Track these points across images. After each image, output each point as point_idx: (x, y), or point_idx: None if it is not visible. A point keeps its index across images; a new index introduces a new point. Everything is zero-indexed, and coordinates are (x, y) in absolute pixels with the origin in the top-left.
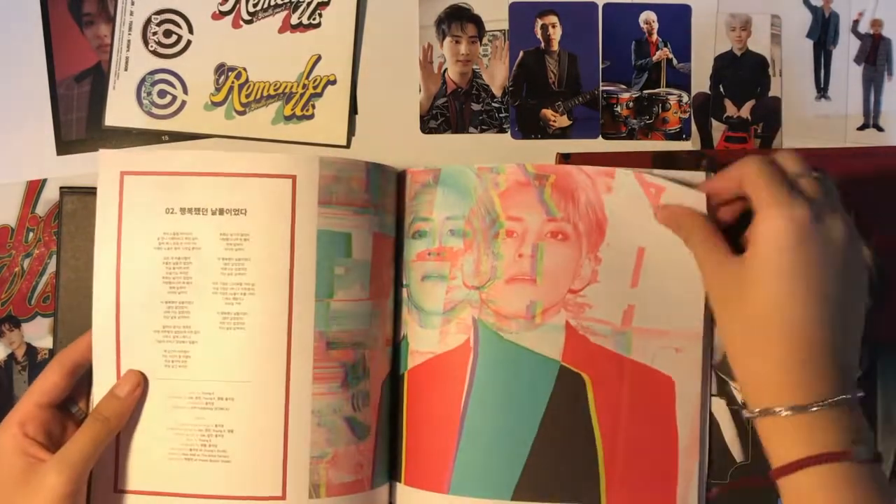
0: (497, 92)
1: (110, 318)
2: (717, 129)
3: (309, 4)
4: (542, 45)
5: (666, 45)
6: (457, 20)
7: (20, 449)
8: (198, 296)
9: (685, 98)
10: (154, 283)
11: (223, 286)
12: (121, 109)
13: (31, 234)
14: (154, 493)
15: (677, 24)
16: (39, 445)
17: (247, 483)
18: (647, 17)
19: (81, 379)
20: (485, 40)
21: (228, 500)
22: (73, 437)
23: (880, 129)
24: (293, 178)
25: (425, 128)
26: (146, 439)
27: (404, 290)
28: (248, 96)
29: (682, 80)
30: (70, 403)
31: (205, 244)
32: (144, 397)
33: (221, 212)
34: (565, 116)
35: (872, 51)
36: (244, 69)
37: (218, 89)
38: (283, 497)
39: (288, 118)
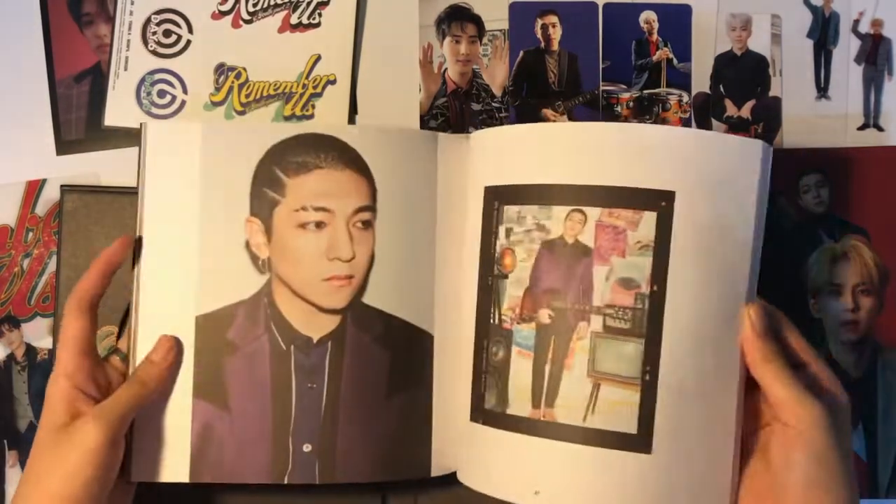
0: (497, 92)
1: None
2: (718, 129)
3: (309, 4)
4: (542, 44)
5: (666, 45)
6: (457, 20)
7: (67, 401)
8: None
9: (685, 98)
10: None
11: None
12: (120, 109)
13: (30, 234)
14: None
15: (677, 24)
16: (86, 397)
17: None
18: (648, 16)
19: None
20: (485, 40)
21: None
22: (113, 395)
23: (880, 129)
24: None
25: (425, 127)
26: None
27: None
28: (247, 96)
29: (682, 80)
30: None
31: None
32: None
33: None
34: (565, 116)
35: (872, 51)
36: (244, 69)
37: (218, 89)
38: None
39: (288, 118)
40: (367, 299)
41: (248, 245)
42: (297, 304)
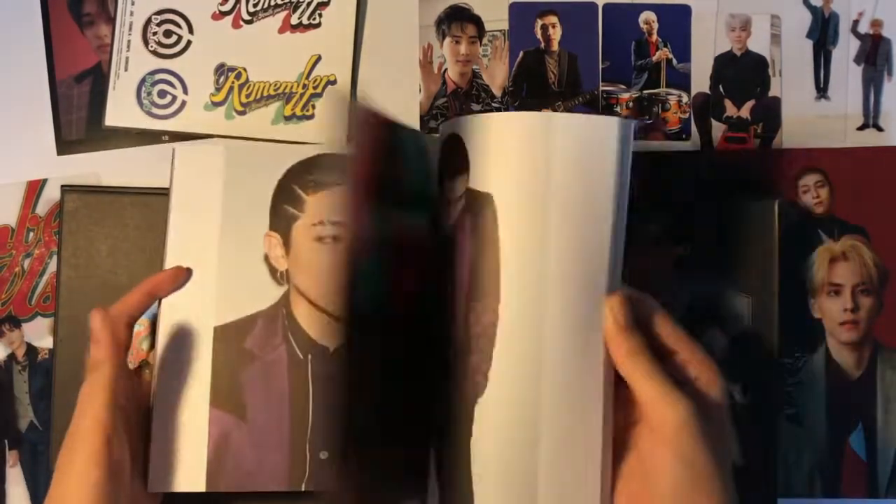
0: (497, 92)
1: None
2: (717, 129)
3: (309, 4)
4: (542, 45)
5: (666, 45)
6: (457, 20)
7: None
8: None
9: (685, 98)
10: None
11: None
12: (121, 109)
13: (31, 234)
14: None
15: (677, 24)
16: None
17: None
18: (647, 17)
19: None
20: (485, 40)
21: None
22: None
23: (880, 129)
24: None
25: (425, 128)
26: None
27: None
28: (248, 96)
29: (682, 80)
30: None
31: None
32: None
33: None
34: None
35: (872, 51)
36: (244, 69)
37: (218, 89)
38: None
39: (288, 118)
40: None
41: (266, 258)
42: (315, 314)
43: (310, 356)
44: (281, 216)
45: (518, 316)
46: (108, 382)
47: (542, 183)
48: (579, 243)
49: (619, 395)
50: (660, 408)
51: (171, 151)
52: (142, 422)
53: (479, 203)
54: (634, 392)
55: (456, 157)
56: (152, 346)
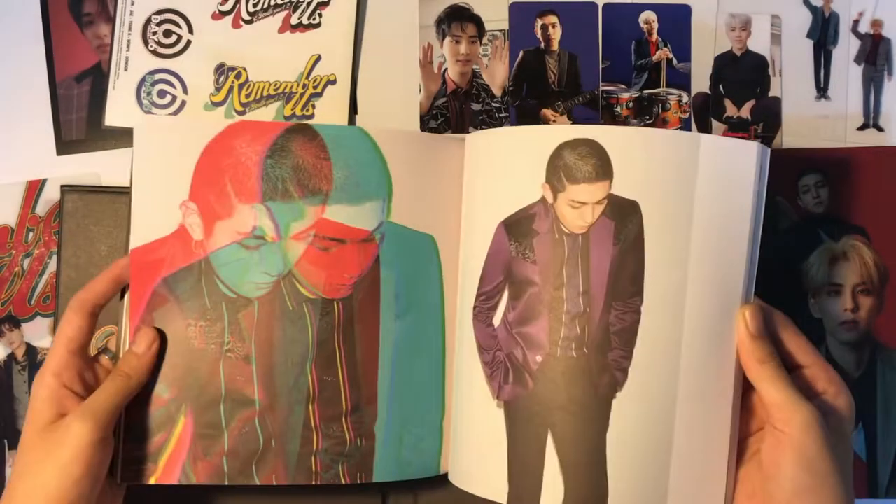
0: (497, 92)
1: None
2: (718, 129)
3: (309, 4)
4: (542, 45)
5: (666, 45)
6: (457, 20)
7: (54, 399)
8: None
9: (685, 98)
10: None
11: None
12: (121, 109)
13: (31, 234)
14: None
15: (677, 24)
16: (73, 395)
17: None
18: (647, 17)
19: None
20: (485, 40)
21: None
22: (97, 390)
23: (880, 129)
24: None
25: (425, 128)
26: None
27: None
28: (248, 96)
29: (682, 80)
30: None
31: None
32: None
33: None
34: (565, 116)
35: (872, 51)
36: (244, 69)
37: (218, 89)
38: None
39: (288, 118)
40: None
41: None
42: None
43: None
44: None
45: (659, 317)
46: (54, 369)
47: (687, 197)
48: (718, 255)
49: (744, 402)
50: (786, 411)
51: None
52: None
53: (625, 209)
54: (762, 396)
55: (596, 162)
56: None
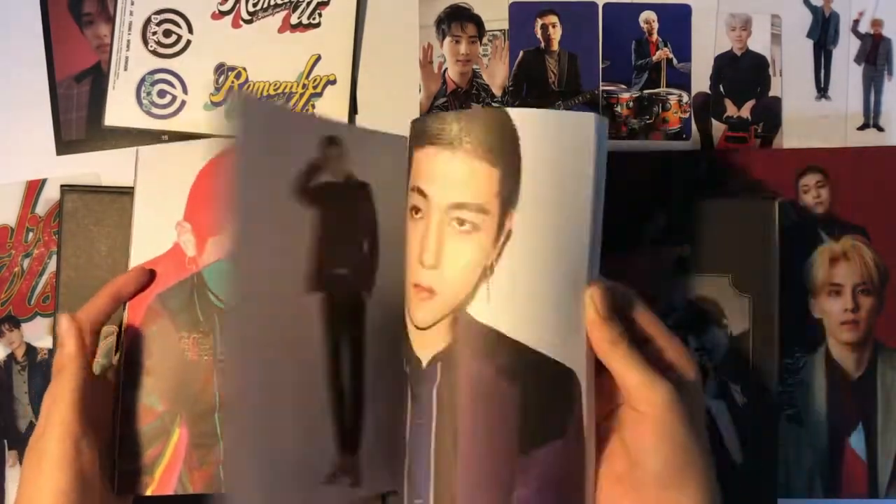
0: (497, 92)
1: None
2: (718, 129)
3: (309, 4)
4: (542, 44)
5: (666, 45)
6: (457, 20)
7: (76, 416)
8: None
9: (685, 98)
10: None
11: None
12: (120, 109)
13: (30, 234)
14: None
15: (677, 24)
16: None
17: None
18: (647, 16)
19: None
20: (485, 40)
21: None
22: (58, 399)
23: (880, 129)
24: None
25: None
26: None
27: None
28: None
29: (682, 80)
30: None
31: None
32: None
33: None
34: None
35: (872, 51)
36: (244, 69)
37: (218, 89)
38: None
39: None
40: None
41: None
42: None
43: None
44: None
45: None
46: (73, 386)
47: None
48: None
49: (599, 384)
50: (644, 392)
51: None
52: (108, 425)
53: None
54: (618, 379)
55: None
56: (118, 348)
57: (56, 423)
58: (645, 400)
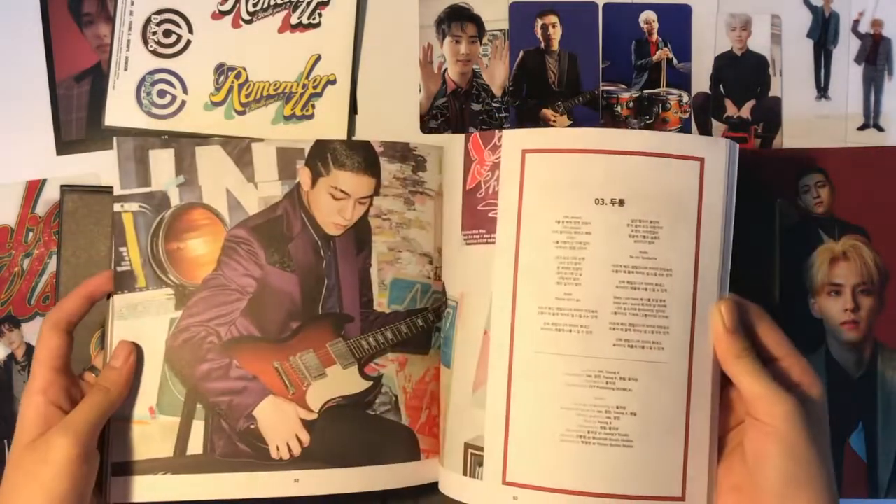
0: (497, 92)
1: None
2: (718, 129)
3: (309, 4)
4: (542, 45)
5: (666, 45)
6: (457, 20)
7: (41, 417)
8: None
9: (685, 98)
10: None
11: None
12: (120, 109)
13: (30, 234)
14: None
15: (677, 24)
16: (61, 412)
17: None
18: (647, 16)
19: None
20: (485, 40)
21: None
22: (77, 406)
23: (880, 129)
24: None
25: (425, 128)
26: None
27: None
28: (247, 96)
29: (682, 80)
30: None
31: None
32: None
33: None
34: (565, 116)
35: (872, 51)
36: (244, 69)
37: (218, 89)
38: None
39: (288, 118)
40: None
41: None
42: None
43: None
44: None
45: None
46: (40, 387)
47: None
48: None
49: (723, 397)
50: (767, 403)
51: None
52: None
53: None
54: (742, 390)
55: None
56: (103, 348)
57: (24, 427)
58: (768, 412)
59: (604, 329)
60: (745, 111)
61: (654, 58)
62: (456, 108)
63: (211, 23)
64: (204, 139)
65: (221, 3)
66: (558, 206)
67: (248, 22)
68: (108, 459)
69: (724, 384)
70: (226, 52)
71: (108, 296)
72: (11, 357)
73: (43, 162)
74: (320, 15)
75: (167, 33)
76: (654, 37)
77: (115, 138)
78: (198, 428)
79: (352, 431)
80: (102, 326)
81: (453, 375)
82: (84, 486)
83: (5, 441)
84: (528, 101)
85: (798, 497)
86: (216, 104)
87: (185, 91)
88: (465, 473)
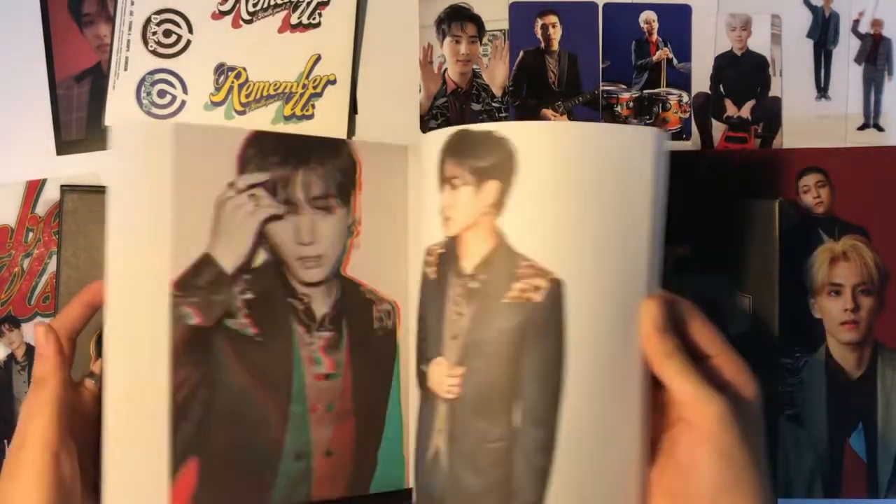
0: (497, 92)
1: None
2: (718, 129)
3: (309, 4)
4: (542, 44)
5: (666, 45)
6: (457, 20)
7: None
8: None
9: (685, 98)
10: None
11: None
12: (121, 109)
13: (30, 234)
14: None
15: (677, 24)
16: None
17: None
18: (647, 16)
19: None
20: (485, 40)
21: None
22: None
23: (880, 129)
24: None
25: (425, 128)
26: None
27: None
28: (247, 96)
29: (682, 80)
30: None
31: None
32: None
33: None
34: (565, 116)
35: (872, 51)
36: (244, 69)
37: (218, 89)
38: None
39: (288, 118)
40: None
41: None
42: None
43: None
44: None
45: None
46: (53, 397)
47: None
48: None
49: (656, 398)
50: (698, 406)
51: None
52: (89, 436)
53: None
54: (672, 392)
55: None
56: (99, 355)
57: (36, 435)
58: (698, 413)
59: None
60: (745, 111)
61: (654, 58)
62: (456, 108)
63: (211, 23)
64: None
65: (221, 3)
66: None
67: (248, 22)
68: (105, 480)
69: (657, 385)
70: (226, 52)
71: None
72: (11, 357)
73: (43, 162)
74: (320, 15)
75: (167, 33)
76: (654, 37)
77: None
78: None
79: None
80: (99, 331)
81: None
82: (66, 487)
83: (5, 441)
84: (528, 101)
85: (730, 497)
86: (216, 104)
87: (185, 91)
88: None
